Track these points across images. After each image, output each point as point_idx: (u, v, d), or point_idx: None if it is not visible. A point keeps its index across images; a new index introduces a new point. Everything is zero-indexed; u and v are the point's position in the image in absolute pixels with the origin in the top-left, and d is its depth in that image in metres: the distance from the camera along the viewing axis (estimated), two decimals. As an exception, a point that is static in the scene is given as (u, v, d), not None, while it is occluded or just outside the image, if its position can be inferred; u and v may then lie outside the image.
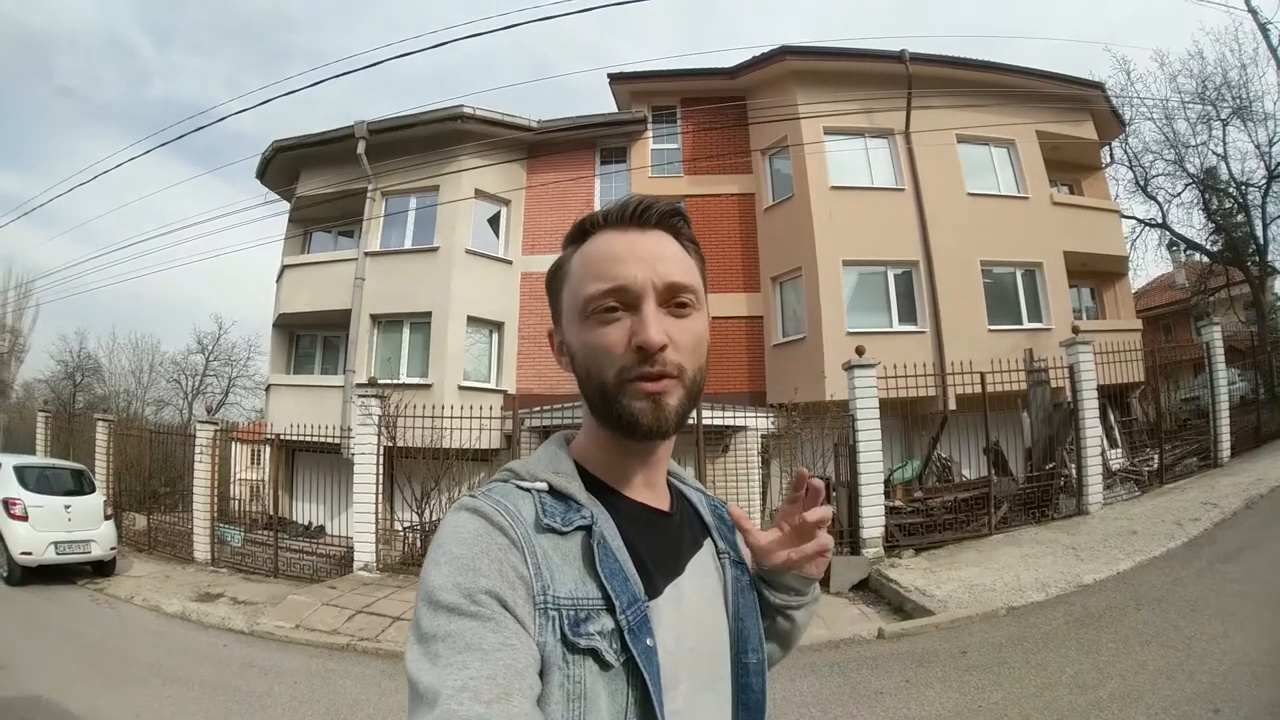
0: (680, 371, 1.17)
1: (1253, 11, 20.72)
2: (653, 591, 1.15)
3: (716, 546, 1.39)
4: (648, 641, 1.08)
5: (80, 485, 14.80)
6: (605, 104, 23.30)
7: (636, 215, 1.23)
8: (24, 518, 13.29)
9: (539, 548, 1.08)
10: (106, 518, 14.55)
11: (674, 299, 1.19)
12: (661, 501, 1.33)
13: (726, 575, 1.36)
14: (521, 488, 1.17)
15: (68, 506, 13.86)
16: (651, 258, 1.19)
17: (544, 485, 1.18)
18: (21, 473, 13.96)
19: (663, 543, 1.26)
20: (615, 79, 21.79)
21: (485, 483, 1.22)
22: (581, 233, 1.28)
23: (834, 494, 14.20)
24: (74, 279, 31.53)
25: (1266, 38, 20.94)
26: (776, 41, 20.07)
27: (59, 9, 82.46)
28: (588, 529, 1.14)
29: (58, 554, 13.44)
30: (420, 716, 0.87)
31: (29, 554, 13.19)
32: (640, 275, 1.17)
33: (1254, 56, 23.24)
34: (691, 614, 1.22)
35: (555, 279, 1.31)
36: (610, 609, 1.07)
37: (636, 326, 1.15)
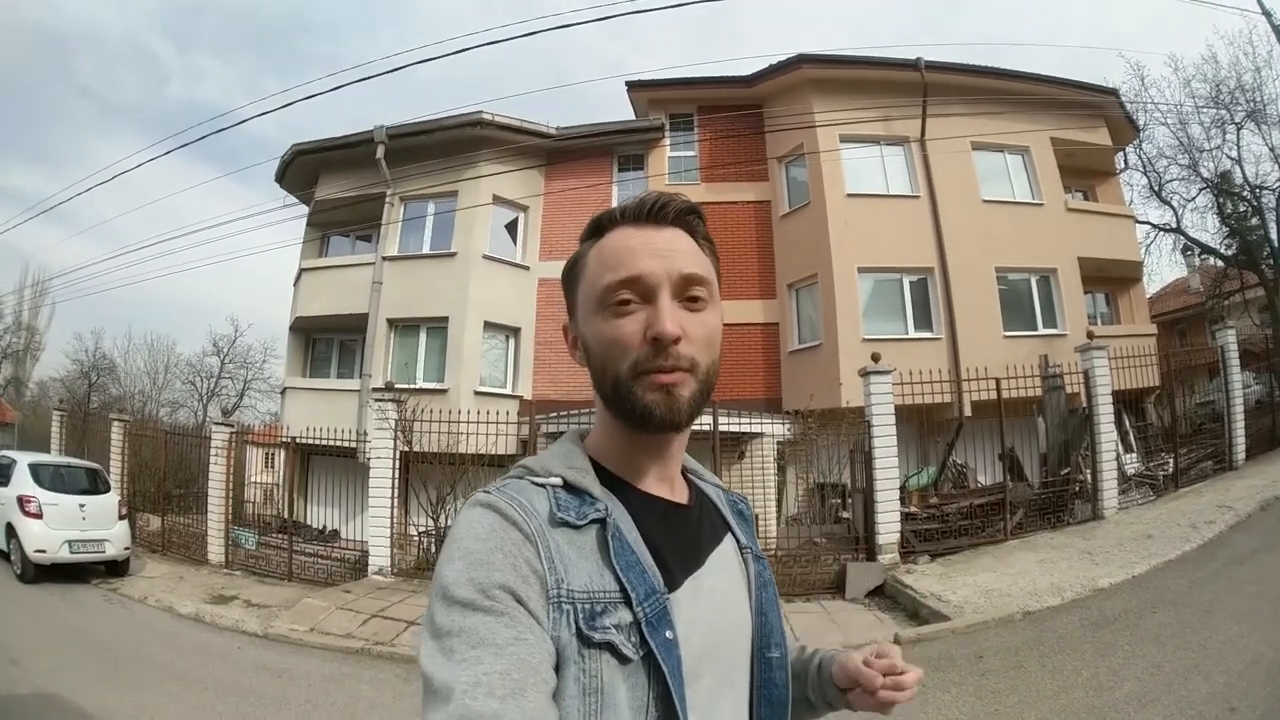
0: (693, 365, 1.17)
1: (1266, 14, 20.65)
2: (672, 584, 1.14)
3: (738, 541, 1.39)
4: (667, 634, 1.07)
5: (95, 484, 14.85)
6: (623, 112, 23.34)
7: (653, 212, 1.24)
8: (39, 515, 13.34)
9: (553, 542, 1.07)
10: (121, 517, 14.58)
11: (688, 292, 1.19)
12: (679, 495, 1.33)
13: (750, 570, 1.36)
14: (535, 483, 1.17)
15: (82, 505, 13.89)
16: (667, 252, 1.20)
17: (558, 480, 1.18)
18: (37, 471, 14.05)
19: (681, 536, 1.26)
20: (633, 86, 21.88)
21: (500, 479, 1.22)
22: (598, 228, 1.29)
23: (849, 500, 14.20)
24: (91, 279, 31.62)
25: (1281, 39, 20.87)
26: (792, 50, 20.08)
27: (80, 12, 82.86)
28: (602, 522, 1.14)
29: (71, 552, 13.46)
30: (434, 712, 0.87)
31: (43, 552, 13.21)
32: (656, 268, 1.17)
33: (1268, 59, 23.06)
34: (712, 608, 1.22)
35: (572, 274, 1.31)
36: (627, 601, 1.06)
37: (651, 318, 1.15)
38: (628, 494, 1.23)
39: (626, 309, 1.17)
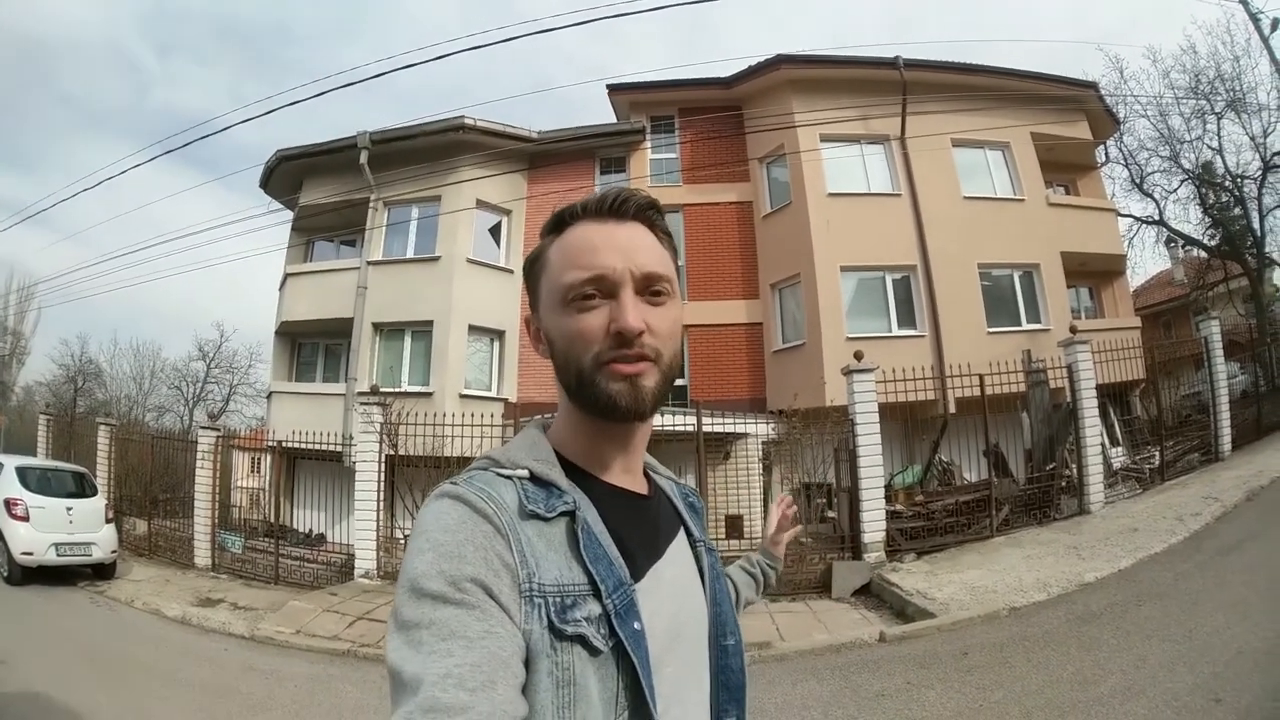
0: (657, 355, 1.19)
1: (1243, 2, 20.77)
2: (636, 575, 1.16)
3: (691, 534, 1.42)
4: (635, 625, 1.08)
5: (82, 488, 14.85)
6: (604, 115, 23.42)
7: (614, 207, 1.25)
8: (25, 518, 13.32)
9: (523, 535, 1.08)
10: (107, 521, 14.58)
11: (650, 287, 1.21)
12: (640, 487, 1.35)
13: (703, 562, 1.40)
14: (502, 475, 1.17)
15: (69, 509, 13.90)
16: (628, 248, 1.21)
17: (525, 472, 1.18)
18: (23, 474, 14.03)
19: (643, 527, 1.27)
20: (614, 90, 22.01)
21: (465, 470, 1.22)
22: (559, 223, 1.30)
23: (835, 500, 14.22)
24: (76, 284, 31.69)
25: (1258, 28, 20.99)
26: (772, 51, 20.16)
27: (61, 18, 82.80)
28: (571, 514, 1.14)
29: (58, 555, 13.46)
30: (403, 704, 0.87)
31: (30, 554, 13.21)
32: (618, 264, 1.19)
33: (1246, 48, 23.22)
34: (673, 598, 1.24)
35: (534, 268, 1.33)
36: (596, 594, 1.07)
37: (615, 313, 1.17)
38: (592, 485, 1.24)
39: (590, 304, 1.18)
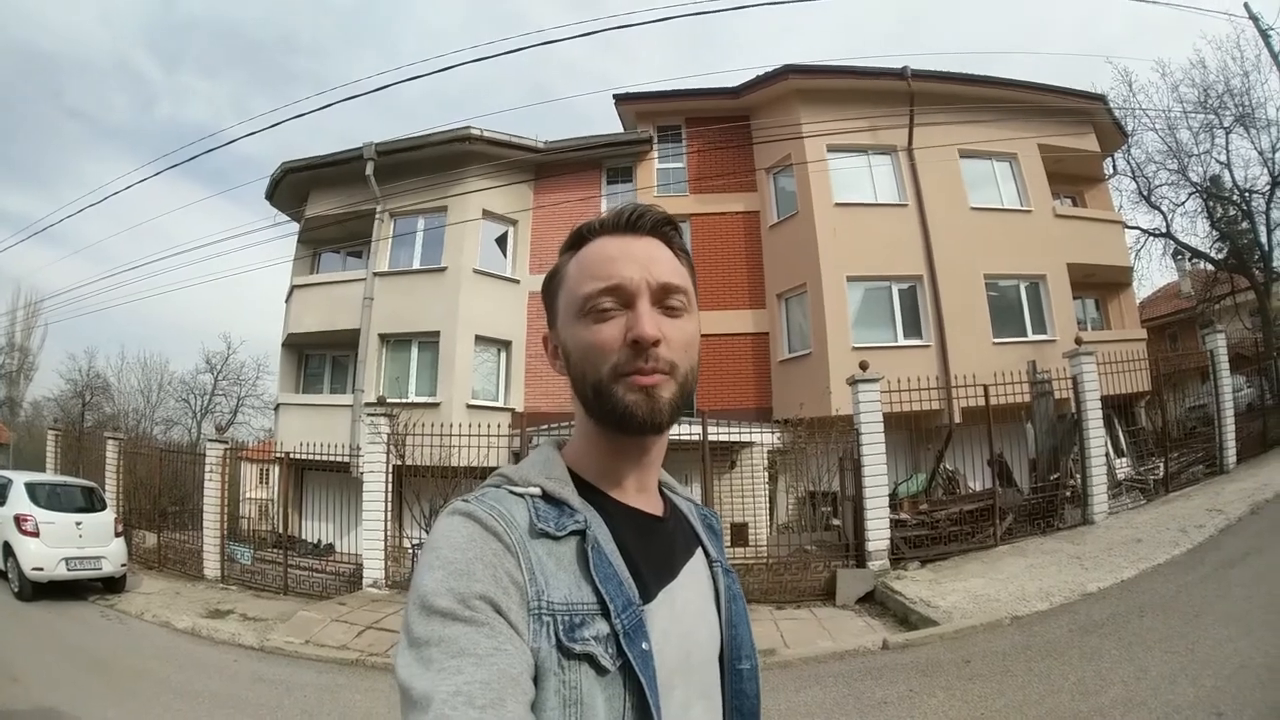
0: (673, 368, 1.19)
1: (1254, 18, 20.69)
2: (646, 596, 1.15)
3: (708, 555, 1.40)
4: (643, 645, 1.08)
5: (91, 502, 14.88)
6: (611, 125, 23.44)
7: (631, 222, 1.26)
8: (35, 534, 13.36)
9: (533, 553, 1.07)
10: (117, 535, 14.57)
11: (666, 299, 1.22)
12: (654, 507, 1.34)
13: (719, 583, 1.38)
14: (514, 493, 1.17)
15: (79, 523, 13.93)
16: (645, 260, 1.22)
17: (537, 490, 1.18)
18: (33, 489, 14.10)
19: (656, 548, 1.26)
20: (620, 99, 21.95)
21: (478, 488, 1.22)
22: (578, 239, 1.31)
23: (839, 508, 14.24)
24: (83, 299, 31.70)
25: (1268, 44, 20.89)
26: (778, 62, 20.16)
27: (68, 33, 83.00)
28: (581, 533, 1.14)
29: (69, 570, 13.48)
30: None
31: (40, 569, 13.24)
32: (635, 275, 1.19)
33: (1256, 63, 23.04)
34: (685, 620, 1.23)
35: (552, 284, 1.33)
36: (605, 613, 1.07)
37: (631, 322, 1.17)
38: (605, 504, 1.23)
39: (607, 315, 1.19)
